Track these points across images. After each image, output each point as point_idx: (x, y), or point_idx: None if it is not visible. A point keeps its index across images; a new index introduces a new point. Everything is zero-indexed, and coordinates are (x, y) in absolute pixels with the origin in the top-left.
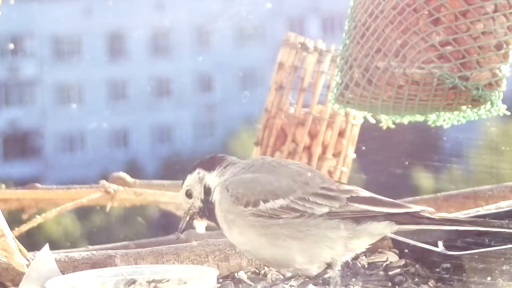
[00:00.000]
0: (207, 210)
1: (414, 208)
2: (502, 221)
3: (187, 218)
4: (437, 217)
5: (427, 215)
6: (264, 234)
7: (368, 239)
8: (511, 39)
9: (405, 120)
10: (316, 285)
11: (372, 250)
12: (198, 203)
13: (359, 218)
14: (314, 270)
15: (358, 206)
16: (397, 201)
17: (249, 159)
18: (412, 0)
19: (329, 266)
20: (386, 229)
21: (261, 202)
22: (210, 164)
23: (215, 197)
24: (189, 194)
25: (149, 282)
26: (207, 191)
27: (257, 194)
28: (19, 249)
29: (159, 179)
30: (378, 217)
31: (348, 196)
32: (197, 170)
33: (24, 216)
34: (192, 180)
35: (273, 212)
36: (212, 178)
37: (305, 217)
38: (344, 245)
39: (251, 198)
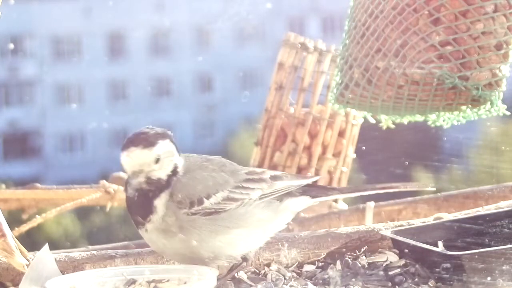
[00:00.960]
0: (146, 197)
1: (316, 177)
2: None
3: (133, 181)
4: (344, 187)
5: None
6: (209, 232)
7: (290, 215)
8: (511, 39)
9: (405, 120)
10: (316, 285)
11: (372, 250)
12: (160, 175)
13: (281, 196)
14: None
15: (280, 183)
16: (300, 175)
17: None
18: (412, 0)
19: (245, 259)
20: (303, 203)
21: (205, 199)
22: (176, 144)
23: (159, 203)
24: (158, 160)
25: (149, 282)
26: (173, 172)
27: (198, 192)
28: (19, 249)
29: None
30: (295, 193)
31: (269, 176)
32: (167, 141)
33: (24, 216)
34: (167, 149)
35: (218, 206)
36: (180, 161)
37: (244, 204)
38: (273, 224)
39: (194, 199)
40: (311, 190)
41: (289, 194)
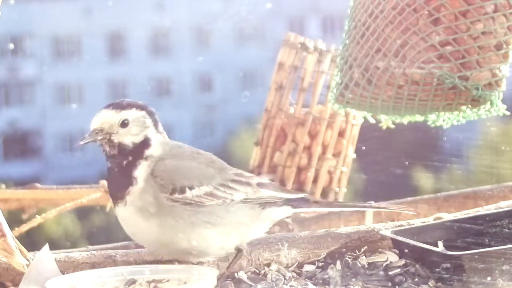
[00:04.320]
0: (117, 164)
1: (303, 194)
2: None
3: (102, 139)
4: (323, 200)
5: (315, 199)
6: (189, 224)
7: (269, 223)
8: (511, 39)
9: (405, 120)
10: (316, 285)
11: (372, 250)
12: (124, 141)
13: (264, 204)
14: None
15: (265, 191)
16: (288, 189)
17: (170, 144)
18: (412, 0)
19: (239, 250)
20: (285, 213)
21: (187, 189)
22: (157, 122)
23: (139, 175)
24: (125, 124)
25: (149, 282)
26: (143, 144)
27: (183, 181)
28: (19, 249)
29: None
30: (278, 203)
31: (256, 182)
32: (144, 113)
33: (24, 216)
34: (136, 117)
35: (199, 199)
36: (155, 137)
37: (226, 204)
38: (252, 229)
39: (177, 186)
40: (293, 200)
41: (272, 203)
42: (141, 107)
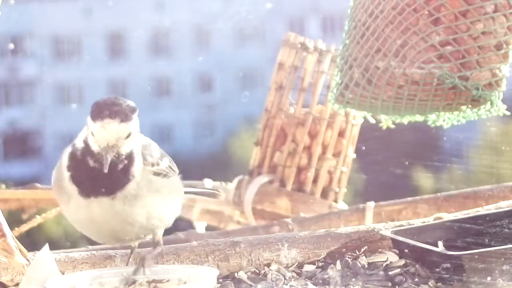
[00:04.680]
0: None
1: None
2: None
3: (109, 156)
4: None
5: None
6: (167, 193)
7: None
8: (511, 39)
9: (405, 120)
10: (316, 285)
11: (372, 250)
12: (126, 150)
13: None
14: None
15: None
16: None
17: None
18: (412, 0)
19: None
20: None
21: (159, 161)
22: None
23: (136, 170)
24: (129, 136)
25: (149, 282)
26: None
27: (154, 154)
28: (19, 249)
29: None
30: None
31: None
32: (136, 115)
33: (24, 216)
34: (135, 123)
35: (167, 170)
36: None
37: (176, 176)
38: None
39: (154, 158)
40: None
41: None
42: (135, 109)
